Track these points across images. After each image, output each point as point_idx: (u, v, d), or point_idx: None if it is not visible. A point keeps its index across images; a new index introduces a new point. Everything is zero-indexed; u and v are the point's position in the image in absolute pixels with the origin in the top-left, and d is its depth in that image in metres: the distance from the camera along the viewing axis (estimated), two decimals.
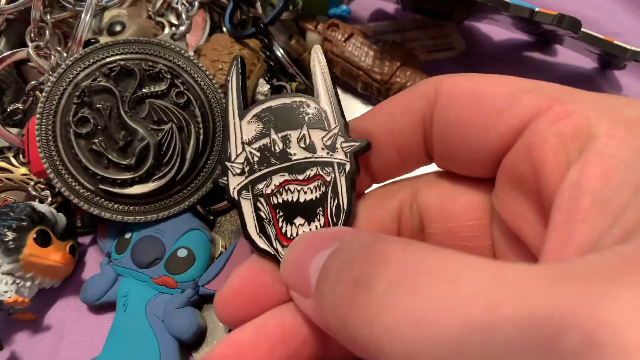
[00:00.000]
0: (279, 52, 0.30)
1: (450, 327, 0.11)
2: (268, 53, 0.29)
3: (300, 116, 0.21)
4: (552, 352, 0.09)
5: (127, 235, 0.28)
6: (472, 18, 0.38)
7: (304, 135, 0.21)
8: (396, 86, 0.32)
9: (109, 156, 0.27)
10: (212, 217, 0.30)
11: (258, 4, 0.33)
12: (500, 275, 0.11)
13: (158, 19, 0.33)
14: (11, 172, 0.31)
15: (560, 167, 0.14)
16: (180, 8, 0.30)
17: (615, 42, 0.33)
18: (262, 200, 0.20)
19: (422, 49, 0.38)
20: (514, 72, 0.39)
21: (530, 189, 0.16)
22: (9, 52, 0.30)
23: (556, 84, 0.16)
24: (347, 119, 0.21)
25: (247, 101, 0.22)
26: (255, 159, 0.21)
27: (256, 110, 0.21)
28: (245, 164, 0.21)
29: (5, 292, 0.26)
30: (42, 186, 0.31)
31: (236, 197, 0.21)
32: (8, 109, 0.33)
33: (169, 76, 0.28)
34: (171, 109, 0.28)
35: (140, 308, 0.26)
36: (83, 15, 0.29)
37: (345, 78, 0.35)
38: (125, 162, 0.27)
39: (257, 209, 0.20)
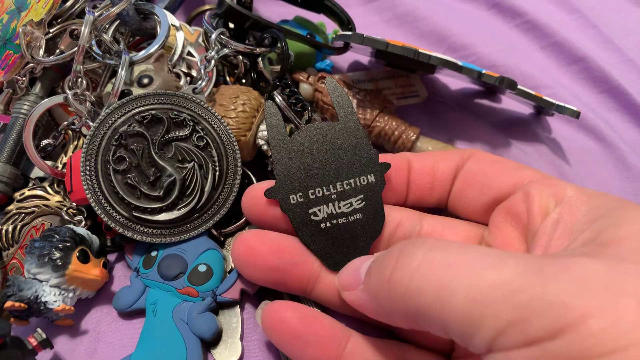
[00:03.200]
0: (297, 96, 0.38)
1: (473, 272, 0.19)
2: (293, 97, 0.37)
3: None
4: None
5: (153, 254, 0.34)
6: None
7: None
8: (376, 129, 0.40)
9: (141, 189, 0.33)
10: (222, 239, 0.36)
11: (260, 59, 0.40)
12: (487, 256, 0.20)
13: (175, 70, 0.39)
14: (47, 199, 0.36)
15: (543, 210, 0.25)
16: (199, 64, 0.37)
17: (544, 97, 0.41)
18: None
19: (393, 96, 0.45)
20: (466, 115, 0.47)
21: (521, 222, 0.26)
22: (49, 99, 0.36)
23: (545, 173, 0.27)
24: None
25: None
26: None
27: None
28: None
29: (55, 301, 0.31)
30: (73, 211, 0.37)
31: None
32: (41, 144, 0.38)
33: (191, 123, 0.34)
34: (193, 150, 0.34)
35: (167, 313, 0.32)
36: (119, 71, 0.34)
37: None
38: (154, 194, 0.33)
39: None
